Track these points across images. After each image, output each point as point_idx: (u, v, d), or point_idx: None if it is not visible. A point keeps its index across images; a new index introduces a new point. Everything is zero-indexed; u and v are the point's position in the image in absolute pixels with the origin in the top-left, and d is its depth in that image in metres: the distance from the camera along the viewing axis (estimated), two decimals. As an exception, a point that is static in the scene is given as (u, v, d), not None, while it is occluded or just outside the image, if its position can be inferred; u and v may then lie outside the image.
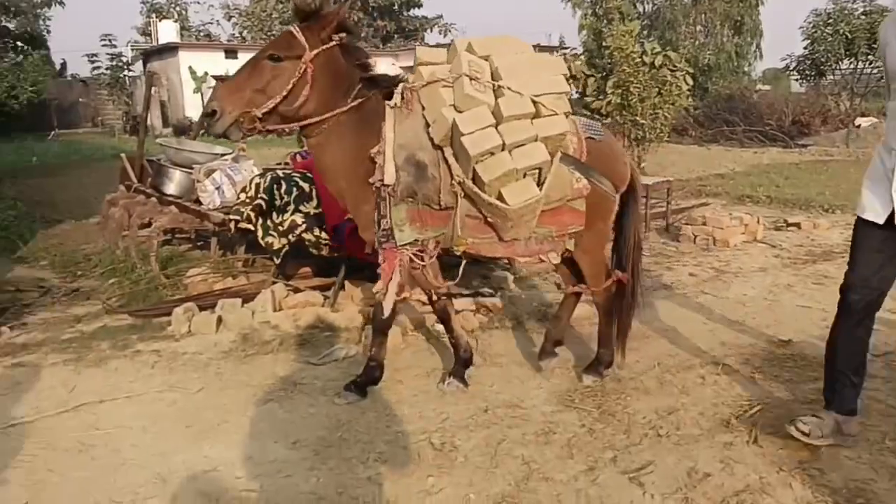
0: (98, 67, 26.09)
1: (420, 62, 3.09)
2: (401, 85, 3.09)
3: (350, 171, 3.12)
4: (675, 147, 16.12)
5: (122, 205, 6.27)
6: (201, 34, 34.15)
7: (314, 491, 2.58)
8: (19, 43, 26.72)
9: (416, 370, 3.68)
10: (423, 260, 3.14)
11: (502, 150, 2.86)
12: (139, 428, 3.08)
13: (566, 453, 2.82)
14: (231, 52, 24.50)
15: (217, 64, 22.11)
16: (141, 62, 27.58)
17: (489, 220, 3.02)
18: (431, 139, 2.94)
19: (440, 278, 3.33)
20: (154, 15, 31.34)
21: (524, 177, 2.94)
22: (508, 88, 2.89)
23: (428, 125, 2.94)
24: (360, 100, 3.07)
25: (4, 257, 6.62)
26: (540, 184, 2.97)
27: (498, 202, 2.90)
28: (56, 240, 7.25)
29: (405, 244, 3.08)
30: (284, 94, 2.91)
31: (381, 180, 2.96)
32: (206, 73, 23.06)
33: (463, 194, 2.96)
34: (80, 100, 28.07)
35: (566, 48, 26.52)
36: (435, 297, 3.48)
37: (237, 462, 2.79)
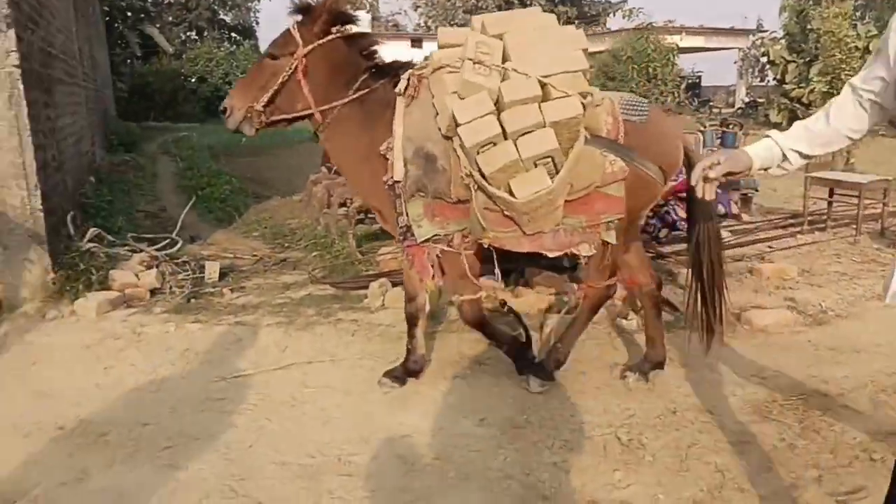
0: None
1: (440, 45, 2.94)
2: (408, 72, 2.98)
3: (362, 166, 3.10)
4: (893, 142, 14.39)
5: (324, 185, 6.80)
6: (389, 24, 35.79)
7: (502, 469, 2.68)
8: (233, 34, 29.70)
9: (599, 363, 3.67)
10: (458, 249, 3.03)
11: (505, 138, 2.64)
12: (343, 390, 3.36)
13: (764, 466, 2.68)
14: (416, 42, 25.34)
15: (403, 54, 23.04)
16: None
17: (506, 213, 2.79)
18: (440, 129, 2.80)
19: (474, 275, 3.12)
20: (349, 6, 33.32)
21: (535, 167, 2.67)
22: (515, 70, 2.66)
23: (437, 114, 2.80)
24: (363, 91, 3.04)
25: (223, 227, 7.47)
26: (555, 173, 2.68)
27: (506, 195, 2.67)
28: (266, 214, 8.05)
29: (425, 240, 2.98)
30: (276, 88, 3.00)
31: (392, 177, 2.91)
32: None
33: (476, 187, 2.77)
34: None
35: (764, 31, 24.54)
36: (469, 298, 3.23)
37: (429, 431, 2.96)
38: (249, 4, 30.78)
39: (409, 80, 2.94)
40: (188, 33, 27.56)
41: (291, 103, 3.08)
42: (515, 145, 2.63)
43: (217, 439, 2.89)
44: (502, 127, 2.62)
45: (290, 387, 3.41)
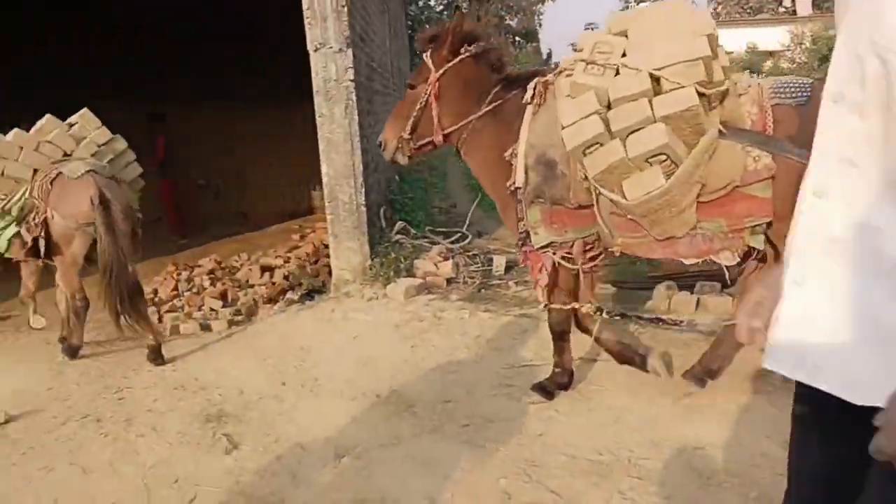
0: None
1: (577, 48, 2.74)
2: (535, 79, 2.91)
3: (493, 175, 3.10)
4: None
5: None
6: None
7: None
8: (517, 38, 30.88)
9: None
10: (572, 263, 2.93)
11: (611, 138, 2.48)
12: (629, 390, 3.32)
13: None
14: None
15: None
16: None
17: (629, 217, 2.61)
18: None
19: (590, 290, 3.06)
20: (633, 0, 32.60)
21: (649, 165, 2.46)
22: (625, 66, 2.50)
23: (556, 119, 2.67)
24: (496, 103, 3.06)
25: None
26: (672, 171, 2.43)
27: (618, 197, 2.52)
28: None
29: (542, 246, 2.93)
30: (416, 115, 3.14)
31: (514, 182, 2.86)
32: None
33: (597, 191, 2.61)
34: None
35: None
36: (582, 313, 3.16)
37: (725, 446, 2.79)
38: (534, 8, 31.74)
39: (535, 87, 2.93)
40: (477, 40, 29.37)
41: (433, 126, 3.19)
42: (624, 144, 2.50)
43: (510, 424, 3.05)
44: (608, 126, 2.51)
45: (575, 381, 3.46)
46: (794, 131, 2.51)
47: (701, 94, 2.45)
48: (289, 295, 5.90)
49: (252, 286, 6.60)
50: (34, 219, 3.94)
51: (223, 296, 6.25)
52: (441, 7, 24.85)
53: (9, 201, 3.98)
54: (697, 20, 2.57)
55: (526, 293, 4.97)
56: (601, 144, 2.56)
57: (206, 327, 5.05)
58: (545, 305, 3.19)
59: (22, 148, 4.04)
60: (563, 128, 2.60)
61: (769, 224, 2.64)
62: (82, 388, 3.76)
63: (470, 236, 6.45)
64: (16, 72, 9.74)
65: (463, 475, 2.67)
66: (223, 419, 3.27)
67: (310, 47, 4.72)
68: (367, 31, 6.22)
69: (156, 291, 6.58)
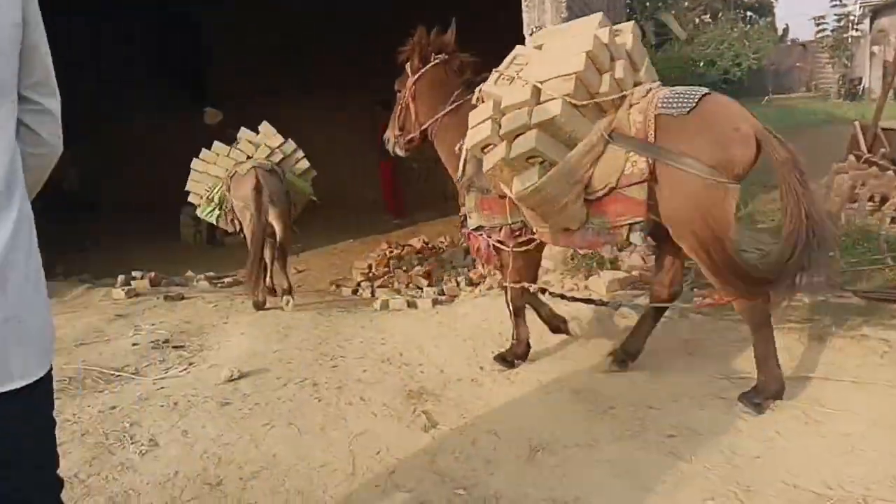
0: (823, 29, 25.40)
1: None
2: (480, 85, 3.23)
3: (452, 165, 3.52)
4: None
5: (850, 176, 5.96)
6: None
7: None
8: (749, 12, 28.33)
9: None
10: (505, 246, 3.30)
11: (501, 140, 2.89)
12: (868, 419, 2.86)
13: None
14: None
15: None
16: (868, 20, 25.50)
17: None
18: None
19: (522, 269, 3.43)
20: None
21: (531, 165, 2.85)
22: (520, 78, 2.91)
23: None
24: (457, 103, 3.50)
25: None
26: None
27: (506, 190, 3.00)
28: (775, 205, 7.39)
29: (475, 229, 3.40)
30: (398, 113, 3.78)
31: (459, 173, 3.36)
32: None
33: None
34: (797, 64, 27.98)
35: None
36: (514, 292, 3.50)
37: None
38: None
39: (480, 90, 3.22)
40: (703, 17, 27.38)
41: (413, 122, 3.72)
42: (509, 146, 2.85)
43: (721, 440, 2.78)
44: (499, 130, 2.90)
45: (802, 402, 3.07)
46: (672, 138, 2.73)
47: (577, 106, 2.78)
48: (489, 279, 5.97)
49: (455, 268, 6.81)
50: (226, 204, 5.35)
51: (428, 275, 6.51)
52: (664, -17, 23.57)
53: (212, 192, 5.42)
54: (584, 39, 2.82)
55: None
56: (494, 145, 2.95)
57: (412, 304, 5.28)
58: (500, 284, 3.75)
59: (219, 155, 5.45)
60: (469, 129, 3.08)
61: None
62: (303, 353, 4.10)
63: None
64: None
65: (665, 489, 2.48)
66: (424, 396, 3.37)
67: (525, 31, 4.66)
68: (585, 10, 6.01)
69: (370, 267, 7.04)
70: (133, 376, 3.82)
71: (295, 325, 4.69)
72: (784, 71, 27.84)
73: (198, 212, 5.73)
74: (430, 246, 7.67)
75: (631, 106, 2.83)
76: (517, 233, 3.28)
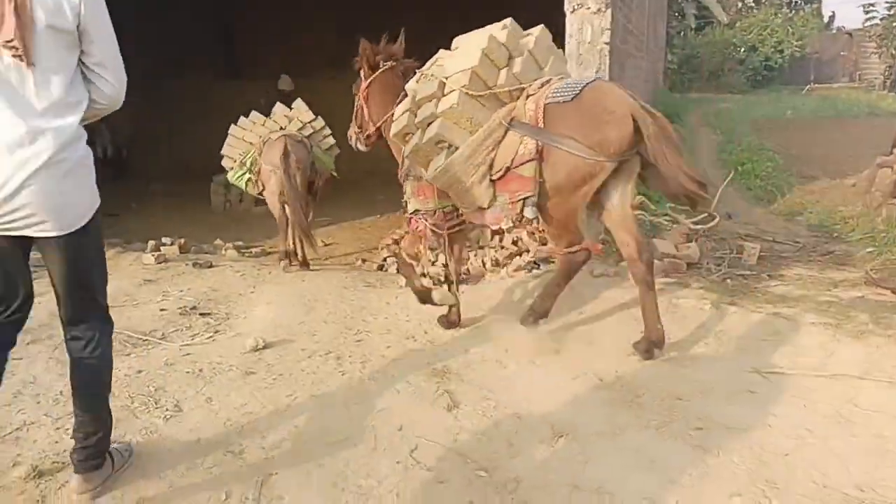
0: (872, 17, 24.55)
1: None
2: None
3: (399, 158, 3.85)
4: None
5: (895, 170, 5.77)
6: None
7: None
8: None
9: None
10: (440, 228, 3.65)
11: (416, 129, 3.33)
12: (906, 420, 2.79)
13: None
14: None
15: None
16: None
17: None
18: None
19: (452, 249, 3.84)
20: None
21: (441, 150, 3.24)
22: (433, 75, 3.32)
23: None
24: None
25: (762, 206, 7.06)
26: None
27: (423, 172, 3.39)
28: (812, 197, 7.28)
29: (413, 213, 3.73)
30: (354, 113, 4.17)
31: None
32: None
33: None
34: (842, 53, 27.16)
35: None
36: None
37: None
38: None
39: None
40: (746, 1, 26.68)
41: (367, 121, 4.09)
42: (422, 134, 3.28)
43: (749, 435, 2.72)
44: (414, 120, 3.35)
45: (835, 400, 2.99)
46: (560, 122, 3.10)
47: (476, 96, 3.17)
48: (516, 261, 5.91)
49: (482, 247, 6.76)
50: (255, 168, 5.70)
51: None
52: (707, -36, 22.97)
53: (245, 157, 5.78)
54: (481, 39, 3.22)
55: (782, 289, 4.42)
56: (412, 133, 3.38)
57: (438, 283, 5.25)
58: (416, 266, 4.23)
59: (255, 123, 5.88)
60: (393, 121, 3.55)
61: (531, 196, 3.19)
62: (328, 325, 4.10)
63: (717, 217, 5.87)
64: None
65: (690, 482, 2.44)
66: (447, 375, 3.35)
67: (567, 8, 4.55)
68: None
69: (396, 242, 7.01)
70: (160, 341, 3.86)
71: (321, 297, 4.69)
72: (828, 59, 27.04)
73: (228, 175, 6.05)
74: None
75: (528, 97, 3.19)
76: (449, 216, 3.66)
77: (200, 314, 4.30)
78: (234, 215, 8.93)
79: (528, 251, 6.30)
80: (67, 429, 2.84)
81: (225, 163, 6.01)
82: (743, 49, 23.40)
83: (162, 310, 4.38)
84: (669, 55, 19.73)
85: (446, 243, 3.77)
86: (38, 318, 4.16)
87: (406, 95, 3.56)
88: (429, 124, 3.27)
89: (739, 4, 26.23)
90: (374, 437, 2.79)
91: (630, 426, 2.81)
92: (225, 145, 5.93)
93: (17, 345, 3.57)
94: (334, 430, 2.85)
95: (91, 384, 2.37)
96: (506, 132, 3.16)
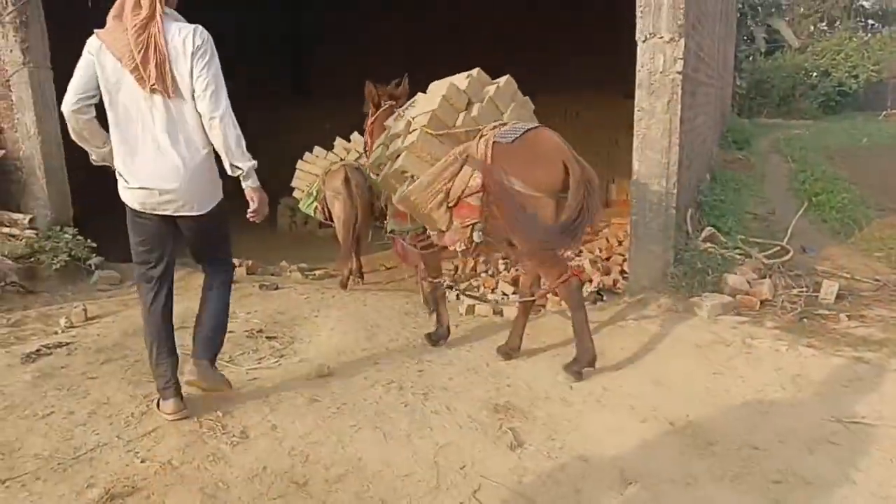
0: (953, 40, 23.51)
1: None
2: None
3: None
4: None
5: None
6: None
7: None
8: (871, 21, 26.56)
9: None
10: (414, 247, 4.11)
11: (388, 160, 3.93)
12: None
13: None
14: None
15: None
16: None
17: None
18: None
19: (428, 267, 4.31)
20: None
21: (406, 179, 3.71)
22: (402, 116, 4.00)
23: None
24: None
25: (838, 240, 6.76)
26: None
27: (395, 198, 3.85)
28: (892, 231, 6.93)
29: (391, 234, 4.30)
30: (366, 141, 4.81)
31: None
32: None
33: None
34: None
35: None
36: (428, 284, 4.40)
37: None
38: (897, -14, 27.02)
39: None
40: (818, 24, 25.90)
41: (369, 153, 4.55)
42: (392, 165, 3.79)
43: (833, 492, 2.57)
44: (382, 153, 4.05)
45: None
46: (505, 161, 3.48)
47: (435, 135, 3.66)
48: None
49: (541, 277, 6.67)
50: (321, 196, 6.16)
51: (515, 281, 6.41)
52: (778, -13, 22.42)
53: (312, 187, 6.28)
54: (444, 86, 3.79)
55: (863, 331, 4.20)
56: (384, 164, 3.96)
57: (498, 312, 5.20)
58: (418, 279, 4.64)
59: (318, 157, 6.38)
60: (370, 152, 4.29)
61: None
62: (391, 353, 4.10)
63: (791, 251, 5.67)
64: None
65: (770, 543, 2.31)
66: (510, 412, 3.29)
67: (638, 37, 4.47)
68: (700, 18, 5.74)
69: (456, 268, 7.00)
70: (227, 364, 3.92)
71: (382, 324, 4.70)
72: (906, 84, 25.93)
73: (300, 205, 6.59)
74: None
75: (481, 137, 3.57)
76: (420, 237, 4.06)
77: (267, 337, 4.37)
78: (299, 237, 9.11)
79: (590, 281, 6.21)
80: (138, 451, 2.92)
81: (296, 194, 6.58)
82: (815, 74, 22.66)
83: (230, 331, 4.46)
84: (738, 80, 19.27)
85: (421, 261, 4.31)
86: (112, 338, 4.32)
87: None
88: (397, 157, 3.77)
89: (812, 28, 25.47)
90: (437, 475, 2.75)
91: (704, 476, 2.69)
92: (294, 178, 6.52)
93: (92, 363, 3.70)
94: (397, 464, 2.83)
95: (215, 302, 3.40)
96: (461, 166, 3.54)
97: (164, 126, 2.95)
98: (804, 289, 4.80)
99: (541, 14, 10.66)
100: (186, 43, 2.91)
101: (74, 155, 6.54)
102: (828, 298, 4.71)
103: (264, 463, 2.83)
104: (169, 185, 2.99)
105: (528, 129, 3.62)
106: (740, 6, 17.85)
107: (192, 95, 2.95)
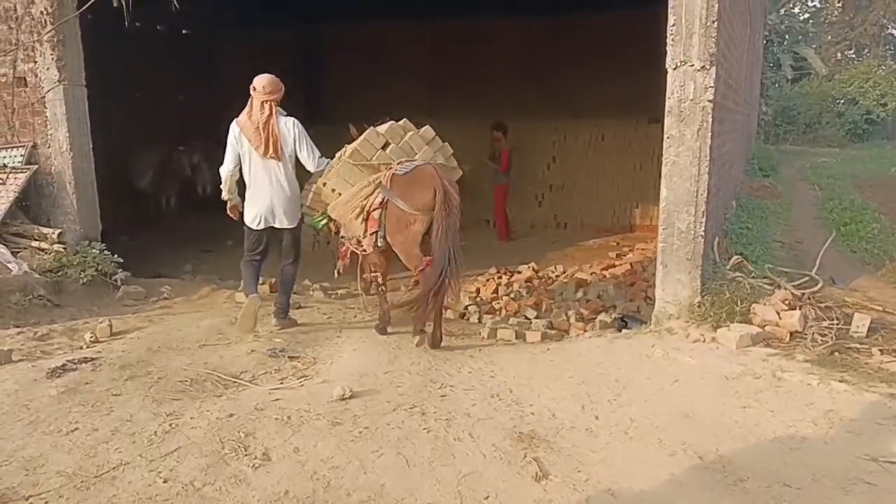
0: (984, 70, 23.20)
1: None
2: None
3: None
4: None
5: None
6: None
7: None
8: (900, 49, 26.35)
9: None
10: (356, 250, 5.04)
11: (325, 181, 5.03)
12: None
13: None
14: None
15: None
16: None
17: None
18: None
19: (363, 265, 5.20)
20: None
21: (335, 196, 4.97)
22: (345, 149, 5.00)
23: None
24: None
25: (868, 271, 6.64)
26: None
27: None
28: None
29: (341, 238, 5.31)
30: None
31: None
32: None
33: None
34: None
35: None
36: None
37: None
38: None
39: None
40: (846, 52, 25.71)
41: None
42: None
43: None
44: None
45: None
46: (395, 187, 4.63)
47: (354, 164, 4.84)
48: (601, 317, 5.74)
49: (565, 300, 6.61)
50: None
51: (537, 305, 6.36)
52: (806, 16, 22.31)
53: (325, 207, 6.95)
54: (370, 132, 4.93)
55: (897, 367, 4.09)
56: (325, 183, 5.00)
57: (521, 336, 5.16)
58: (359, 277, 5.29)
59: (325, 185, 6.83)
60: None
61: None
62: (412, 377, 4.07)
63: (821, 282, 5.56)
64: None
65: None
66: (535, 441, 3.23)
67: (669, 64, 4.45)
68: (729, 45, 5.71)
69: (478, 291, 6.97)
70: (249, 384, 3.92)
71: (404, 346, 4.68)
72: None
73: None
74: (539, 275, 7.52)
75: (389, 169, 4.71)
76: (354, 243, 4.99)
77: (289, 357, 4.37)
78: (321, 256, 9.11)
79: (613, 307, 6.14)
80: (160, 471, 2.91)
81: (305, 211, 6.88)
82: (842, 101, 22.46)
83: (252, 350, 4.47)
84: (764, 106, 19.15)
85: (359, 261, 5.13)
86: (137, 354, 4.34)
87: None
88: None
89: (839, 56, 25.29)
90: (461, 504, 2.70)
91: (735, 514, 2.62)
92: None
93: (116, 380, 3.71)
94: (420, 492, 2.79)
95: (287, 281, 5.25)
96: (374, 189, 4.71)
97: (275, 175, 4.94)
98: (835, 321, 4.69)
99: (566, 40, 10.71)
100: (289, 129, 4.96)
101: (102, 172, 6.76)
102: (859, 331, 4.59)
103: (286, 487, 2.80)
104: (277, 209, 4.98)
105: (418, 165, 4.74)
106: (766, 33, 17.78)
107: (292, 157, 5.00)
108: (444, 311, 4.98)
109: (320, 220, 6.76)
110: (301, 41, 12.43)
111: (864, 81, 22.61)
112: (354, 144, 4.86)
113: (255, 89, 4.87)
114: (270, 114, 4.83)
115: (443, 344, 4.74)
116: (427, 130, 5.01)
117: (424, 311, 4.59)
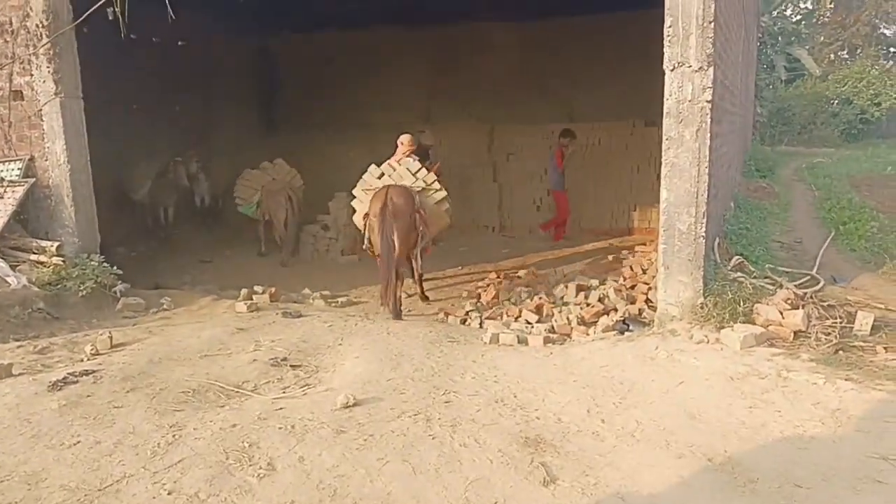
0: (977, 68, 23.30)
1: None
2: None
3: None
4: None
5: None
6: None
7: None
8: (892, 48, 26.46)
9: None
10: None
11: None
12: None
13: None
14: None
15: None
16: None
17: None
18: None
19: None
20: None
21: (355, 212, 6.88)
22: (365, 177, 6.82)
23: None
24: None
25: (869, 270, 6.63)
26: None
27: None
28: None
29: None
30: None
31: None
32: None
33: None
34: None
35: None
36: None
37: None
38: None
39: None
40: (839, 53, 25.82)
41: None
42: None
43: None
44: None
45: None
46: (376, 200, 6.30)
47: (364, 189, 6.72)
48: (603, 320, 5.72)
49: (567, 304, 6.59)
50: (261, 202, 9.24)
51: (539, 310, 6.34)
52: (798, 17, 22.41)
53: (255, 195, 9.26)
54: (374, 168, 6.80)
55: (902, 364, 4.07)
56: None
57: (523, 341, 5.13)
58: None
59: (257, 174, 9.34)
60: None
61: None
62: (416, 383, 4.04)
63: (822, 281, 5.55)
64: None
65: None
66: (541, 446, 3.21)
67: (666, 66, 4.45)
68: (725, 47, 5.72)
69: (478, 296, 6.96)
70: (252, 393, 3.89)
71: (406, 353, 4.65)
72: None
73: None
74: (539, 280, 7.51)
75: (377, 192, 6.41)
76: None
77: (291, 366, 4.34)
78: (321, 264, 9.11)
79: (615, 310, 6.12)
80: (164, 483, 2.87)
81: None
82: (836, 101, 22.53)
83: (254, 360, 4.44)
84: (759, 108, 19.20)
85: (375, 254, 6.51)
86: (138, 366, 4.31)
87: None
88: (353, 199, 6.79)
89: (832, 56, 25.39)
90: (469, 511, 2.68)
91: (743, 515, 2.60)
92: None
93: (118, 392, 3.67)
94: (427, 499, 2.76)
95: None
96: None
97: None
98: (838, 320, 4.68)
99: (561, 44, 10.72)
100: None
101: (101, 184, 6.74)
102: (863, 330, 4.58)
103: (292, 497, 2.78)
104: None
105: (382, 186, 6.41)
106: (759, 34, 17.84)
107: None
108: (420, 281, 7.10)
109: (249, 208, 9.37)
110: (300, 48, 12.42)
111: (858, 81, 22.68)
112: (364, 176, 6.73)
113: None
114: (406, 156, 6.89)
115: (443, 347, 4.74)
116: (413, 164, 6.76)
117: (387, 287, 6.13)
